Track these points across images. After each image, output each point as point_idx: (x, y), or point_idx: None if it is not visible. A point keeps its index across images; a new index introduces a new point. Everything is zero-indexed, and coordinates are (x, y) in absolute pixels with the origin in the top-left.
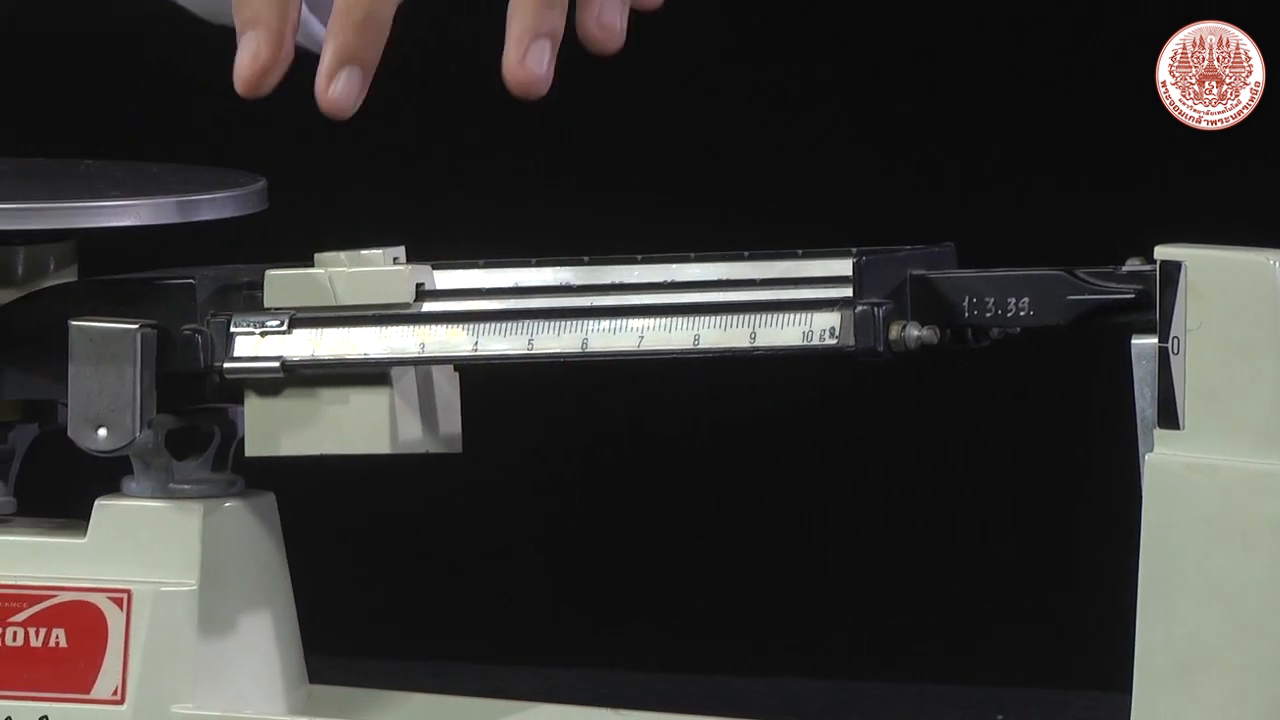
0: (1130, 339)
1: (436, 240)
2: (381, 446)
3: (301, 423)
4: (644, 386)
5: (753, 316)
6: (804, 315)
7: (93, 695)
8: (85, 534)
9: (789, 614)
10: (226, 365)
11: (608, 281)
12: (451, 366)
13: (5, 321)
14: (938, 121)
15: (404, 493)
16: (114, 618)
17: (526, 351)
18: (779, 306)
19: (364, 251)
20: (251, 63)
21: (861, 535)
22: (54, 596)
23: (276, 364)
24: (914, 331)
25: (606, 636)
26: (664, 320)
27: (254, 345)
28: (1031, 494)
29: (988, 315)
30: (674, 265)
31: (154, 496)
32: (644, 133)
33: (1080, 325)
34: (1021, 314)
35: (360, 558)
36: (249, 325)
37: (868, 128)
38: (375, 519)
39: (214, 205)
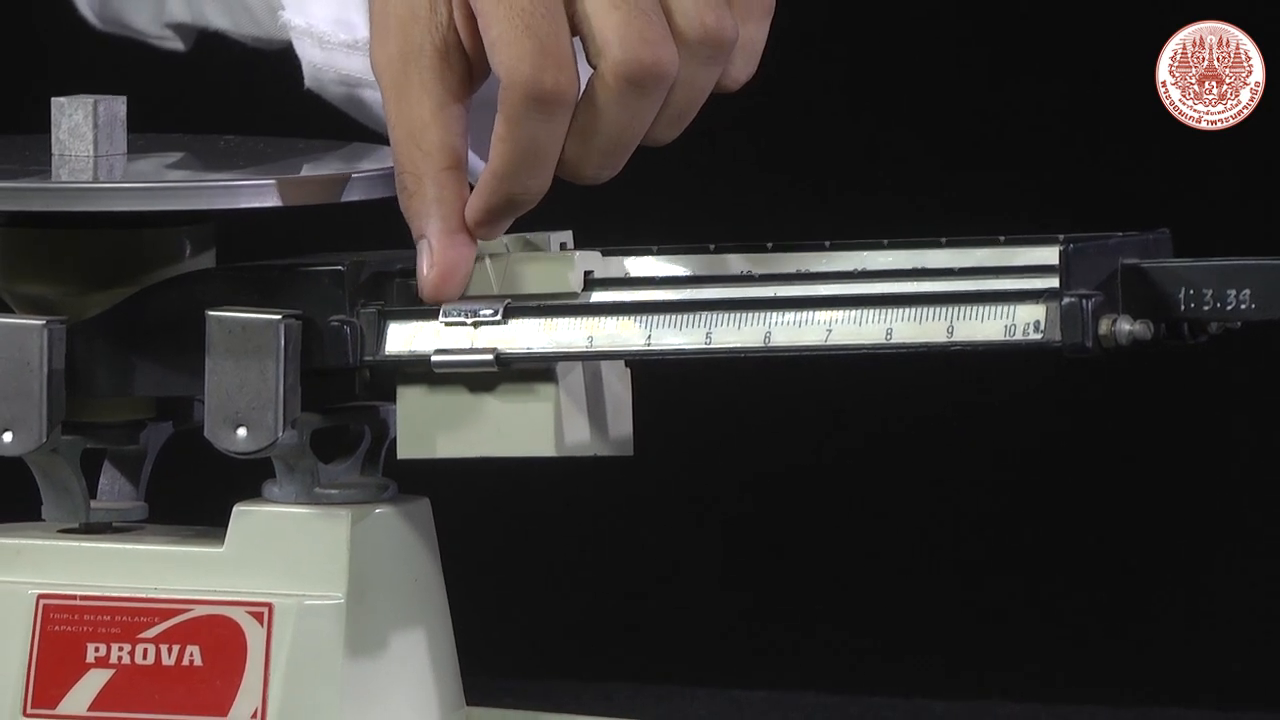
0: None
1: (606, 225)
2: (546, 449)
3: (459, 423)
4: (833, 379)
5: (950, 309)
6: (1006, 307)
7: (229, 718)
8: (223, 543)
9: (995, 627)
10: (435, 359)
11: (792, 270)
12: (623, 362)
13: (137, 311)
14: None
15: (570, 499)
16: (253, 634)
17: (704, 346)
18: (979, 298)
19: (529, 236)
20: (428, 272)
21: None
22: (188, 610)
23: (490, 356)
24: (1125, 326)
25: (799, 654)
26: (854, 312)
27: (467, 336)
28: None
29: (1205, 308)
30: (864, 253)
31: (298, 502)
32: (828, 108)
33: None
34: (1243, 307)
35: (522, 569)
36: (460, 314)
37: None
38: (538, 527)
39: (365, 184)
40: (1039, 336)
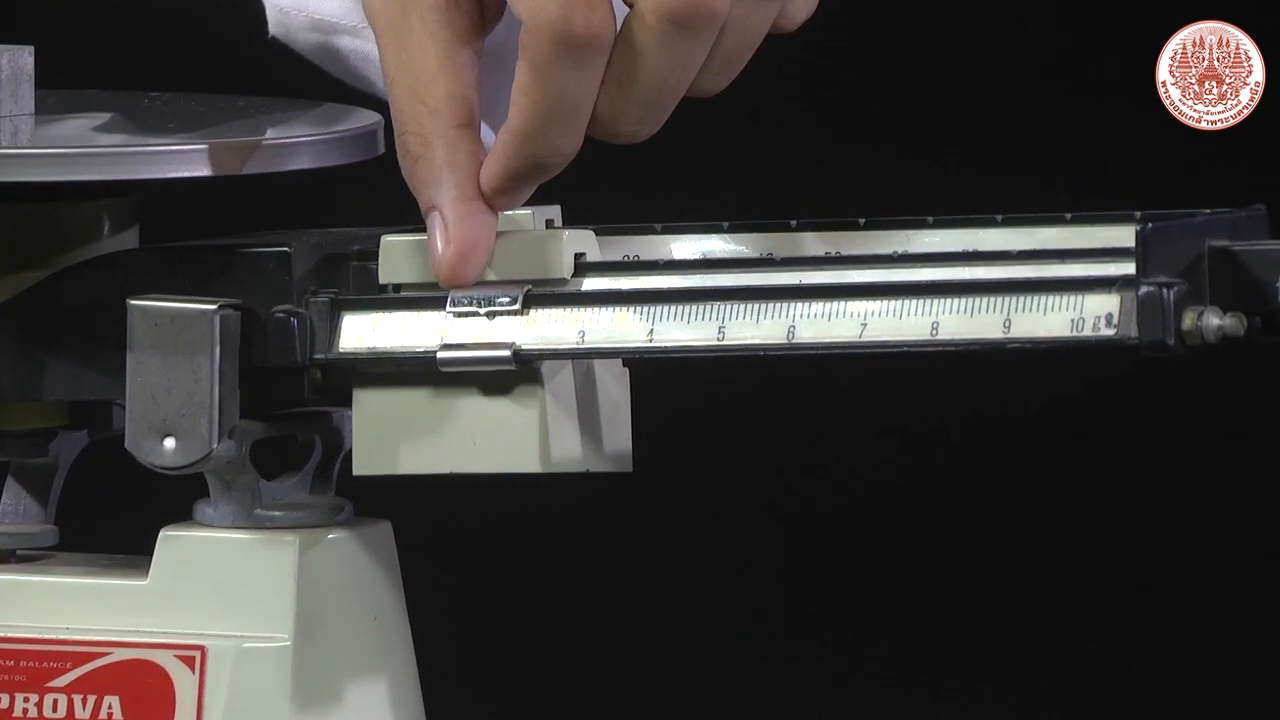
0: None
1: (599, 199)
2: (530, 465)
3: (426, 433)
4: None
5: (1007, 299)
6: (1073, 298)
7: None
8: (147, 574)
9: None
10: (441, 355)
11: (821, 253)
12: (620, 361)
13: (47, 300)
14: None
15: (556, 523)
16: (183, 681)
17: (716, 342)
18: (1040, 287)
19: (508, 212)
20: (444, 249)
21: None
22: (107, 654)
23: (507, 353)
24: (1214, 320)
25: (819, 697)
26: (893, 303)
27: (480, 329)
28: None
29: None
30: (906, 232)
31: (236, 525)
32: (868, 66)
33: None
34: None
35: (497, 604)
36: (472, 303)
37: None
38: (518, 556)
39: (315, 150)
40: (1112, 332)
